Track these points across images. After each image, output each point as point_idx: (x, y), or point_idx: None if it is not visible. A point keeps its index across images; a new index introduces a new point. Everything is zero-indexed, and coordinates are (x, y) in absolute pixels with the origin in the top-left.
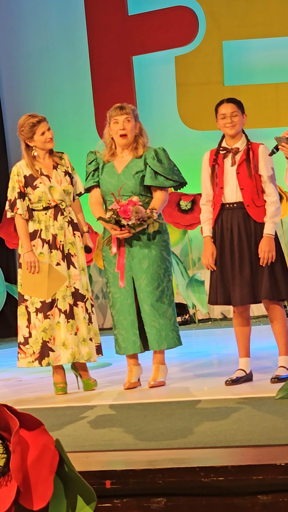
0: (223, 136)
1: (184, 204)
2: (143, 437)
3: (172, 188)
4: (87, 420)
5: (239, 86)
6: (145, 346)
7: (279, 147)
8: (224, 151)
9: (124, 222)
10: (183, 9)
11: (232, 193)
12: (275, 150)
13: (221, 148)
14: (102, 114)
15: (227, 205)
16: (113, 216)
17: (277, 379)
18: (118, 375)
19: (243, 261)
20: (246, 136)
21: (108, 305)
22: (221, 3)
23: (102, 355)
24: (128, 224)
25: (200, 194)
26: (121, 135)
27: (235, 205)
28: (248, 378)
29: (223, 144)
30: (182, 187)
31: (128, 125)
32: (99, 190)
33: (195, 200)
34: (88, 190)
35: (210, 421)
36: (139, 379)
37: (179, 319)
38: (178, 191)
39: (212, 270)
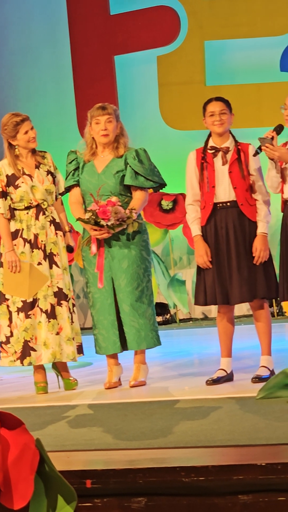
0: (209, 135)
1: (166, 203)
2: (124, 436)
3: (151, 189)
4: (68, 420)
5: (221, 86)
6: (124, 346)
7: (262, 148)
8: (213, 150)
9: (103, 222)
10: (165, 9)
11: (225, 192)
12: (258, 150)
13: (209, 147)
14: (84, 114)
15: (220, 204)
16: (92, 217)
17: (258, 379)
18: (98, 374)
19: (240, 259)
20: (234, 136)
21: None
22: (203, 3)
23: (83, 354)
24: (107, 225)
25: (181, 194)
26: (102, 135)
27: (228, 204)
28: (229, 378)
29: (211, 143)
30: (162, 189)
31: (109, 126)
32: (79, 190)
33: (176, 200)
34: (68, 189)
35: (191, 420)
36: (119, 379)
37: (160, 318)
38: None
39: (208, 268)
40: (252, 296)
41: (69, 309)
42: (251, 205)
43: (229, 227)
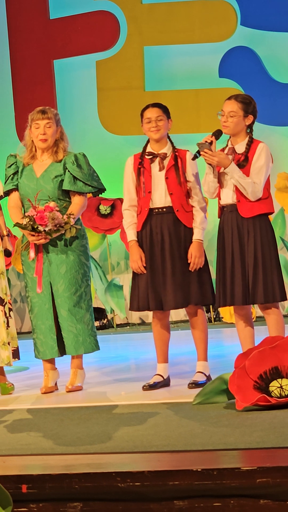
0: (148, 141)
1: (104, 208)
2: (60, 441)
3: (91, 194)
4: (4, 424)
5: (160, 91)
6: (63, 351)
7: (201, 153)
8: (151, 156)
9: (40, 228)
10: (105, 14)
11: (161, 198)
12: (197, 154)
13: (146, 153)
14: (23, 118)
15: (156, 210)
16: (29, 222)
17: (194, 385)
18: (35, 379)
19: (175, 265)
20: (172, 142)
21: (26, 309)
22: (143, 9)
23: (19, 359)
24: (44, 231)
25: (119, 199)
26: (40, 139)
27: (164, 209)
28: (165, 383)
29: (148, 149)
30: (101, 193)
31: (48, 131)
32: (18, 194)
33: (114, 205)
34: (7, 193)
35: (127, 426)
36: (56, 383)
37: (97, 323)
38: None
39: (142, 273)
40: (186, 302)
41: (5, 313)
42: (187, 212)
43: (164, 233)
